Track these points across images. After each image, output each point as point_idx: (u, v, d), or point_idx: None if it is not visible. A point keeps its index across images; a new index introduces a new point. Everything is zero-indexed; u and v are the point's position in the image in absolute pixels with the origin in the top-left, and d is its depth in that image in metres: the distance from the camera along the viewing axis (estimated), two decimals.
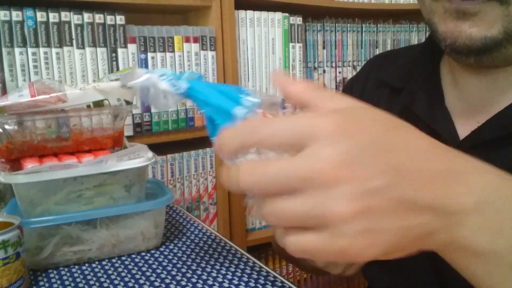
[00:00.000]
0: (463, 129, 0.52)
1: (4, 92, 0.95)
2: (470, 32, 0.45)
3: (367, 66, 0.71)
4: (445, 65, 0.58)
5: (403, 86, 0.60)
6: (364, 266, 0.65)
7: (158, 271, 0.60)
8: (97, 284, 0.57)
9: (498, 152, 0.48)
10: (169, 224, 0.77)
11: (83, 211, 0.62)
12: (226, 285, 0.55)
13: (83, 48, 1.03)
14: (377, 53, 1.55)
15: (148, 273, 0.60)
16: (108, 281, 0.58)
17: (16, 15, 0.96)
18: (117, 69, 1.08)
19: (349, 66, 1.51)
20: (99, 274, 0.60)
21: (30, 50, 0.98)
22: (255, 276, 0.57)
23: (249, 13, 1.26)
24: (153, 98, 0.43)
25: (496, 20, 0.44)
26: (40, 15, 0.98)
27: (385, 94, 0.63)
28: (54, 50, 1.00)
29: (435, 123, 0.53)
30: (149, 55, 1.11)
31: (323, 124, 0.26)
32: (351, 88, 0.70)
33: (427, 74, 0.58)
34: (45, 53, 0.99)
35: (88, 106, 0.64)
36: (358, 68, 1.52)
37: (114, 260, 0.64)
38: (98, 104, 0.65)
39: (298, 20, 1.35)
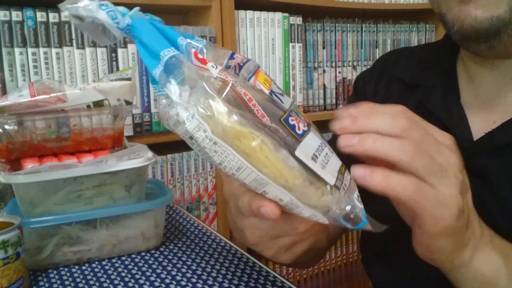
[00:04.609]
0: (479, 129, 0.52)
1: (4, 92, 0.95)
2: (475, 13, 0.45)
3: (380, 62, 0.70)
4: (461, 63, 0.58)
5: (418, 82, 0.59)
6: (367, 264, 0.65)
7: (158, 271, 0.60)
8: (97, 284, 0.57)
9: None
10: (169, 224, 0.77)
11: (83, 211, 0.62)
12: (226, 285, 0.55)
13: (83, 48, 1.03)
14: (377, 53, 1.55)
15: (148, 273, 0.60)
16: (108, 281, 0.58)
17: (16, 15, 0.96)
18: (117, 69, 1.08)
19: (349, 66, 1.51)
20: (99, 274, 0.60)
21: (30, 50, 0.98)
22: (255, 276, 0.57)
23: (249, 13, 1.26)
24: (91, 29, 0.38)
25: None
26: (40, 15, 0.98)
27: (398, 90, 0.63)
28: (54, 50, 1.00)
29: (449, 121, 0.53)
30: None
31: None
32: (363, 82, 0.70)
33: (443, 71, 0.58)
34: (45, 53, 0.99)
35: (88, 106, 0.64)
36: (358, 68, 1.53)
37: (114, 260, 0.64)
38: (98, 104, 0.65)
39: (298, 20, 1.36)
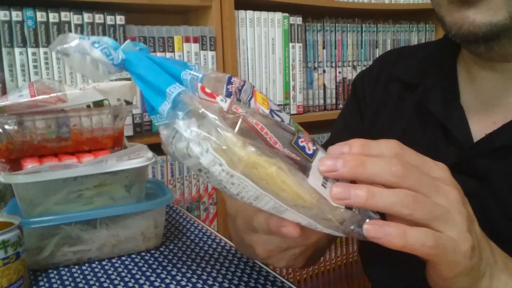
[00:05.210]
0: (478, 129, 0.52)
1: (4, 92, 0.95)
2: (473, 18, 0.45)
3: (379, 61, 0.70)
4: (462, 62, 0.58)
5: (417, 82, 0.59)
6: (366, 265, 0.65)
7: (158, 271, 0.60)
8: (97, 284, 0.57)
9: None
10: (169, 224, 0.77)
11: (83, 211, 0.62)
12: (226, 285, 0.55)
13: None
14: (377, 53, 1.55)
15: (148, 273, 0.60)
16: (108, 281, 0.58)
17: (16, 15, 0.96)
18: None
19: (349, 66, 1.51)
20: (99, 274, 0.60)
21: (30, 50, 0.98)
22: (255, 276, 0.57)
23: (249, 13, 1.26)
24: (84, 67, 0.38)
25: (501, 5, 0.44)
26: (40, 15, 0.98)
27: (397, 90, 0.62)
28: None
29: (449, 121, 0.53)
30: None
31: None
32: (362, 83, 0.69)
33: (443, 71, 0.58)
34: (45, 53, 0.99)
35: (88, 106, 0.64)
36: (358, 68, 1.53)
37: (114, 260, 0.64)
38: (98, 104, 0.65)
39: (298, 20, 1.35)
